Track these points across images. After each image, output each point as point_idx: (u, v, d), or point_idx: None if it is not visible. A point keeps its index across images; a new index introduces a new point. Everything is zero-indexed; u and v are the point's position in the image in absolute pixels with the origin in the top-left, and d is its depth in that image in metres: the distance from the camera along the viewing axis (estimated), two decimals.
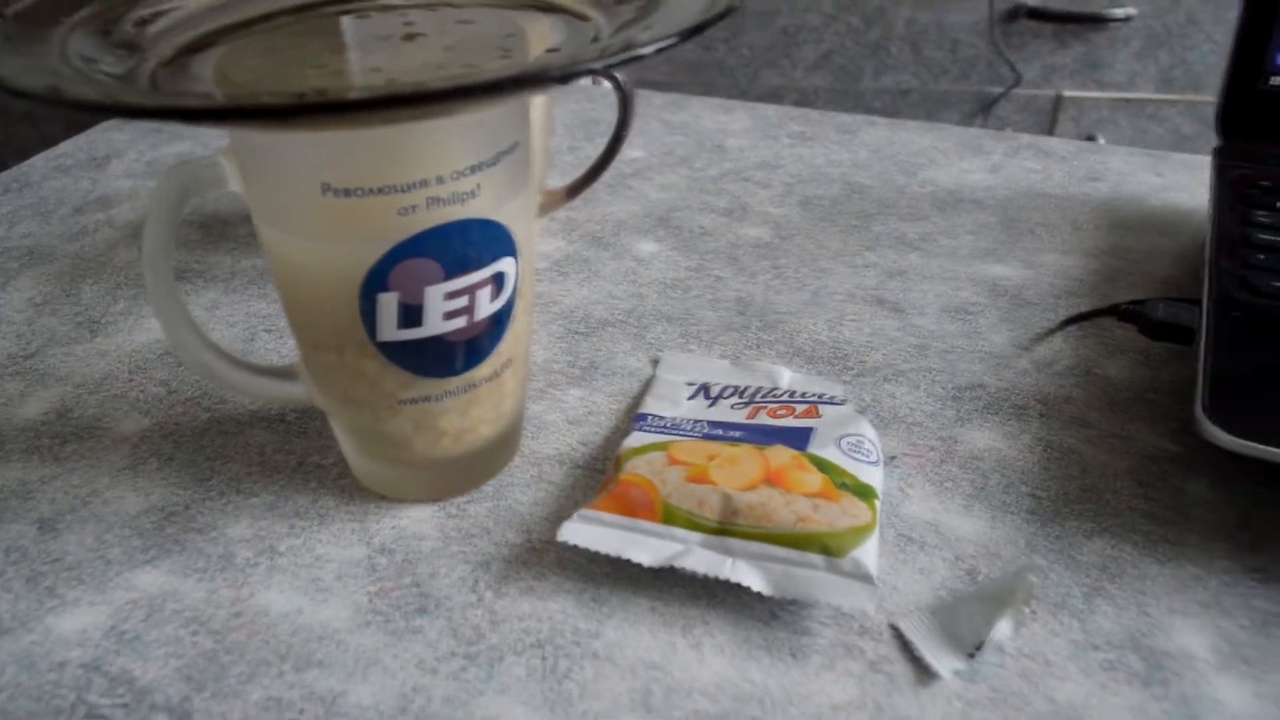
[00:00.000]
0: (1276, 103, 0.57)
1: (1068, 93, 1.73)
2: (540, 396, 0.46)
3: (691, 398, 0.44)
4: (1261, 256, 0.47)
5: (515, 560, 0.38)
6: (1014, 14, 1.68)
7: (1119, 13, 1.64)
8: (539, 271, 0.56)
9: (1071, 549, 0.38)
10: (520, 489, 0.41)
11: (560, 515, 0.40)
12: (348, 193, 0.32)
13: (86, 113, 0.27)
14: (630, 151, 0.71)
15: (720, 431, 0.41)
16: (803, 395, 0.44)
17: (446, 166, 0.32)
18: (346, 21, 0.37)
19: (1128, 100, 1.71)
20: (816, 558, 0.35)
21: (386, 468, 0.40)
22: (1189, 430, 0.44)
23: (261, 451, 0.43)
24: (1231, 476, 0.41)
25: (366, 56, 0.34)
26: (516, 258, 0.36)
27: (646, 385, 0.47)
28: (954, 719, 0.32)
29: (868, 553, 0.35)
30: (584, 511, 0.37)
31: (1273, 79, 0.57)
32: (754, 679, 0.33)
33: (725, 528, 0.36)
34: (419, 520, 0.39)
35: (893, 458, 0.43)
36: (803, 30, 1.75)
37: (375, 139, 0.31)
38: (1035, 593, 0.36)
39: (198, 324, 0.38)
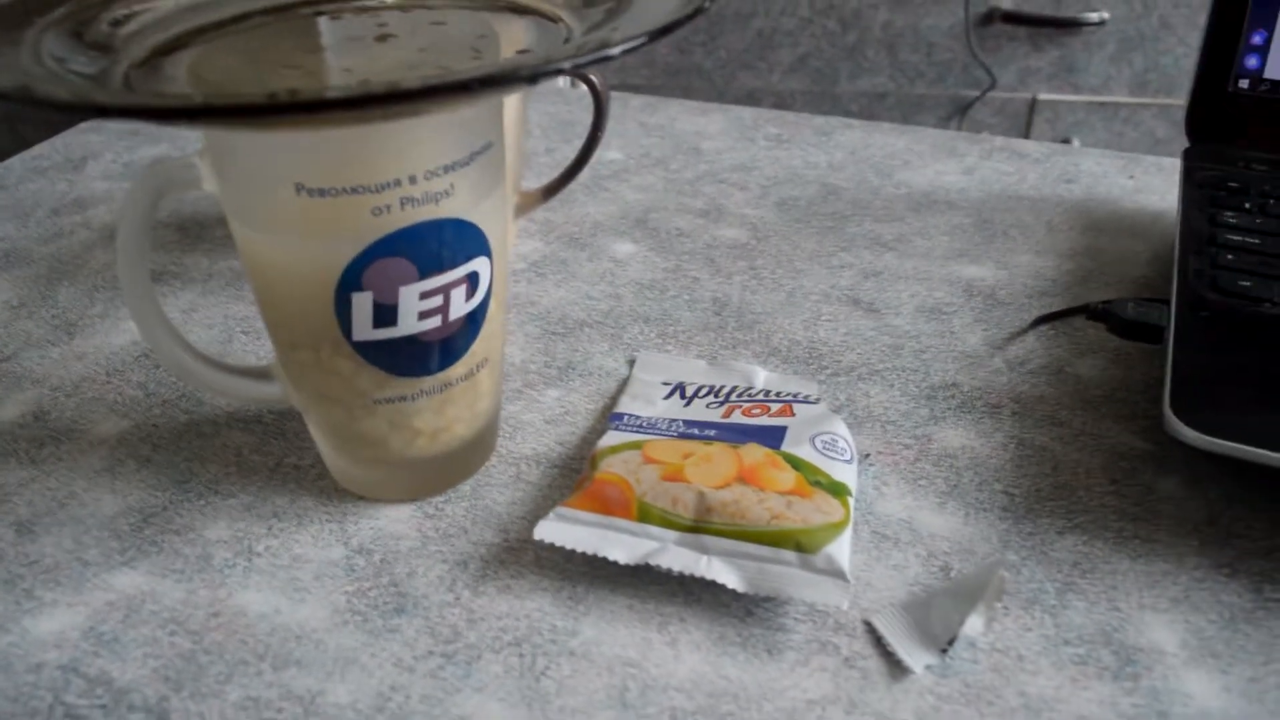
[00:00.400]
0: (1244, 105, 0.58)
1: (1043, 96, 1.74)
2: (517, 397, 0.46)
3: (667, 397, 0.45)
4: (1229, 256, 0.48)
5: (492, 559, 0.38)
6: (989, 18, 1.69)
7: (1093, 17, 1.65)
8: (516, 273, 0.56)
9: (1044, 545, 0.39)
10: (497, 489, 0.41)
11: (537, 514, 0.40)
12: (321, 193, 0.32)
13: (57, 112, 0.27)
14: (607, 153, 0.71)
15: (695, 430, 0.41)
16: (778, 395, 0.44)
17: (420, 166, 0.32)
18: (320, 23, 0.37)
19: (1102, 104, 1.72)
20: (790, 554, 0.35)
21: (363, 468, 0.40)
22: (1159, 428, 0.44)
23: (239, 453, 0.43)
24: (1201, 473, 0.42)
25: (339, 57, 0.34)
26: (490, 258, 0.36)
27: (623, 385, 0.47)
28: (926, 713, 0.32)
29: (841, 549, 0.35)
30: (560, 510, 0.37)
31: (1240, 82, 0.58)
32: (729, 675, 0.34)
33: (700, 525, 0.36)
34: (397, 520, 0.40)
35: (867, 456, 0.43)
36: (779, 33, 1.76)
37: (348, 139, 0.32)
38: (1007, 588, 0.37)
39: (173, 324, 0.38)
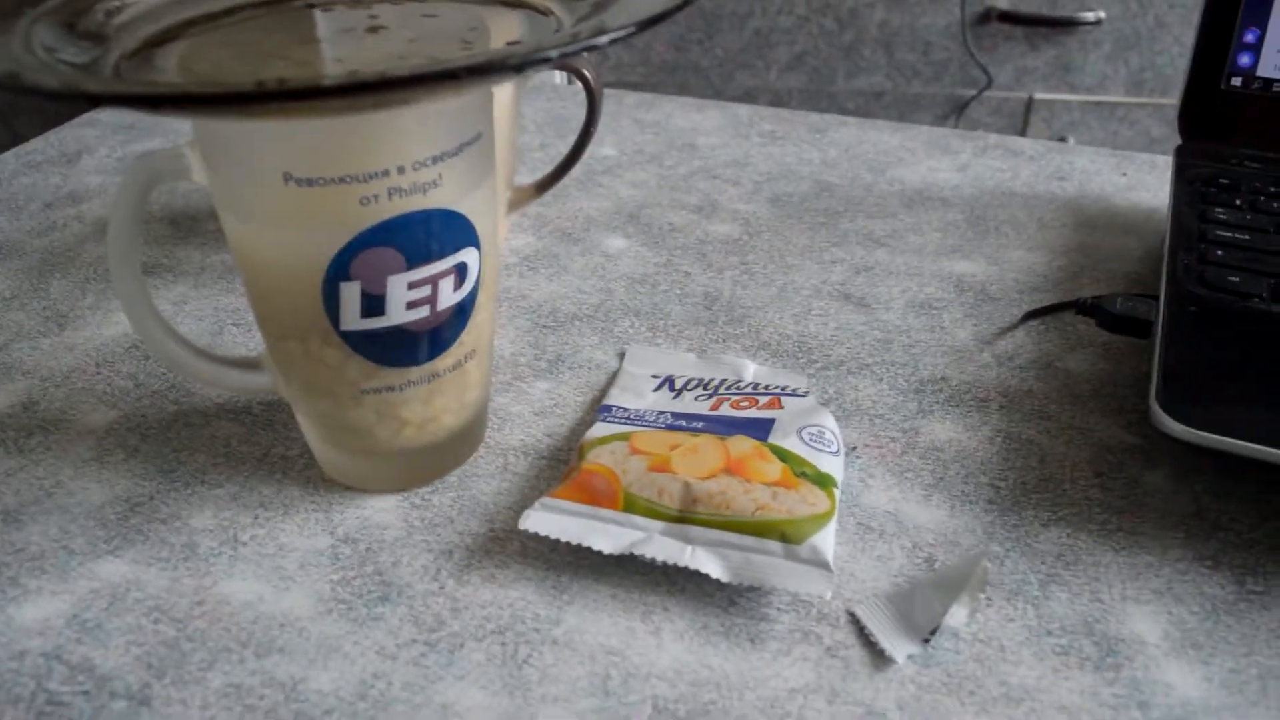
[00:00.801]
0: (1236, 103, 0.58)
1: (1039, 95, 1.74)
2: (506, 389, 0.47)
3: (656, 389, 0.45)
4: (1219, 252, 0.48)
5: (478, 549, 0.38)
6: (985, 17, 1.70)
7: (1089, 16, 1.66)
8: (508, 266, 0.56)
9: (1028, 537, 0.39)
10: (484, 479, 0.41)
11: (524, 505, 0.40)
12: (310, 182, 0.32)
13: (46, 100, 0.27)
14: (601, 149, 0.72)
15: (683, 422, 0.41)
16: (766, 387, 0.44)
17: (408, 157, 0.33)
18: (311, 15, 0.38)
19: (1098, 103, 1.73)
20: (775, 545, 0.35)
21: (351, 458, 0.40)
22: (1146, 422, 0.44)
23: (227, 443, 0.43)
24: (1186, 466, 0.42)
25: (330, 49, 0.34)
26: (479, 248, 0.36)
27: (612, 378, 0.47)
28: (908, 703, 0.32)
29: (825, 540, 0.35)
30: (546, 500, 0.37)
31: (1233, 80, 0.58)
32: (712, 664, 0.34)
33: (685, 516, 0.36)
34: (383, 510, 0.40)
35: (854, 448, 0.43)
36: (776, 32, 1.76)
37: (337, 129, 0.32)
38: (990, 579, 0.37)
39: (163, 314, 0.39)
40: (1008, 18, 1.68)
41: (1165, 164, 0.69)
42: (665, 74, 1.82)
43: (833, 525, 0.36)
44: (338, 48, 0.34)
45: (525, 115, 0.78)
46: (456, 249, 0.35)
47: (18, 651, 0.34)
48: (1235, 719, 0.32)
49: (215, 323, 0.52)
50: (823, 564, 0.35)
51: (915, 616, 0.35)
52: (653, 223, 0.61)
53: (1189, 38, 1.65)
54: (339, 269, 0.34)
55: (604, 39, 0.29)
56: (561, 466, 0.42)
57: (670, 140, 0.73)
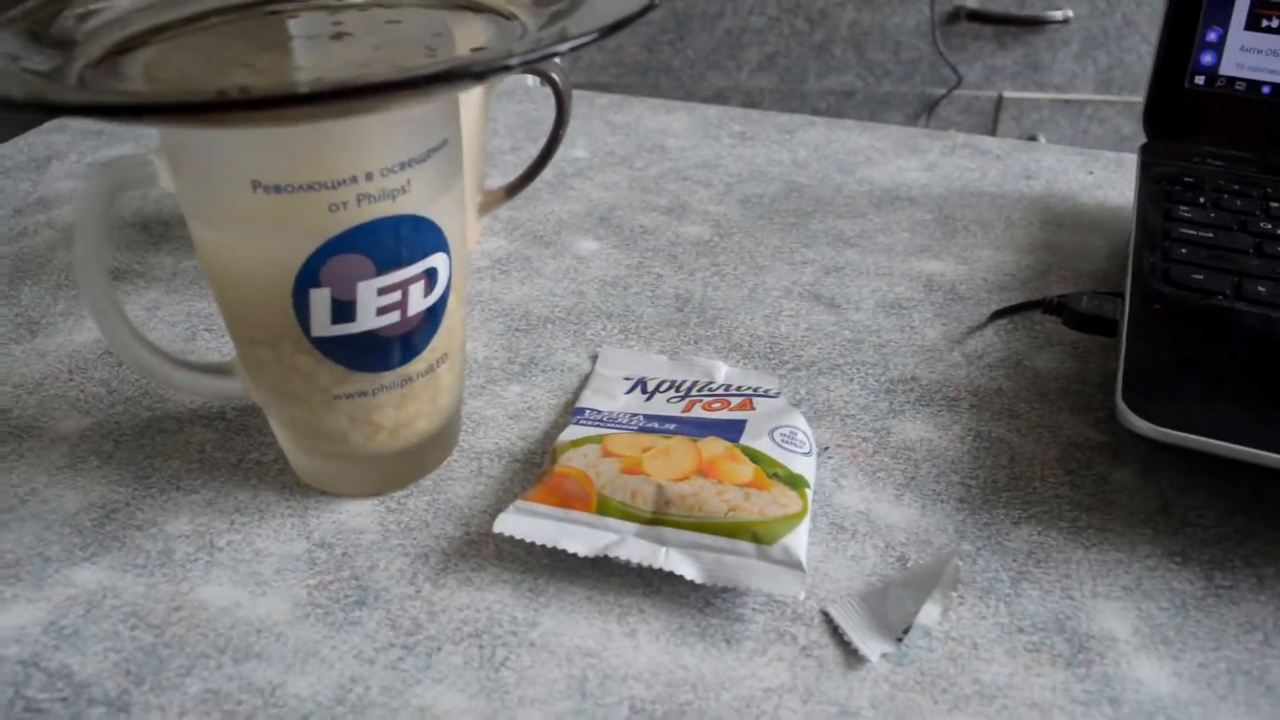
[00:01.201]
0: (1200, 101, 0.59)
1: (1009, 94, 1.75)
2: (480, 392, 0.47)
3: (629, 392, 0.45)
4: (1183, 250, 0.48)
5: (454, 552, 0.38)
6: (955, 16, 1.71)
7: (1057, 15, 1.67)
8: (480, 270, 0.57)
9: (1000, 535, 0.39)
10: (459, 483, 0.41)
11: (498, 508, 0.40)
12: (278, 189, 0.32)
13: (9, 109, 0.27)
14: (572, 151, 0.72)
15: (656, 424, 0.42)
16: (738, 389, 0.45)
17: (376, 163, 0.33)
18: (276, 22, 0.38)
19: (1067, 101, 1.74)
20: (747, 545, 0.35)
21: (325, 463, 0.40)
22: (1113, 419, 0.45)
23: (202, 449, 0.43)
24: (1153, 463, 0.42)
25: (294, 56, 0.34)
26: (449, 253, 0.37)
27: (585, 380, 0.47)
28: (882, 701, 0.33)
29: (798, 540, 0.36)
30: (519, 503, 0.38)
31: (1196, 78, 0.58)
32: (688, 664, 0.34)
33: (659, 518, 0.37)
34: (359, 515, 0.40)
35: (826, 449, 0.43)
36: (747, 32, 1.76)
37: (305, 136, 0.32)
38: (962, 578, 0.37)
39: (133, 321, 0.38)
40: (977, 17, 1.69)
41: (1131, 162, 0.69)
42: (637, 75, 1.82)
43: (805, 525, 0.36)
44: (303, 55, 0.34)
45: (496, 118, 0.78)
46: (426, 254, 0.36)
47: None
48: (1205, 714, 0.33)
49: (188, 328, 0.51)
50: (795, 564, 0.35)
51: (888, 615, 0.35)
52: (624, 225, 0.62)
53: (1156, 35, 1.66)
54: (308, 275, 0.34)
55: (565, 46, 0.29)
56: (535, 469, 0.42)
57: (640, 142, 0.73)
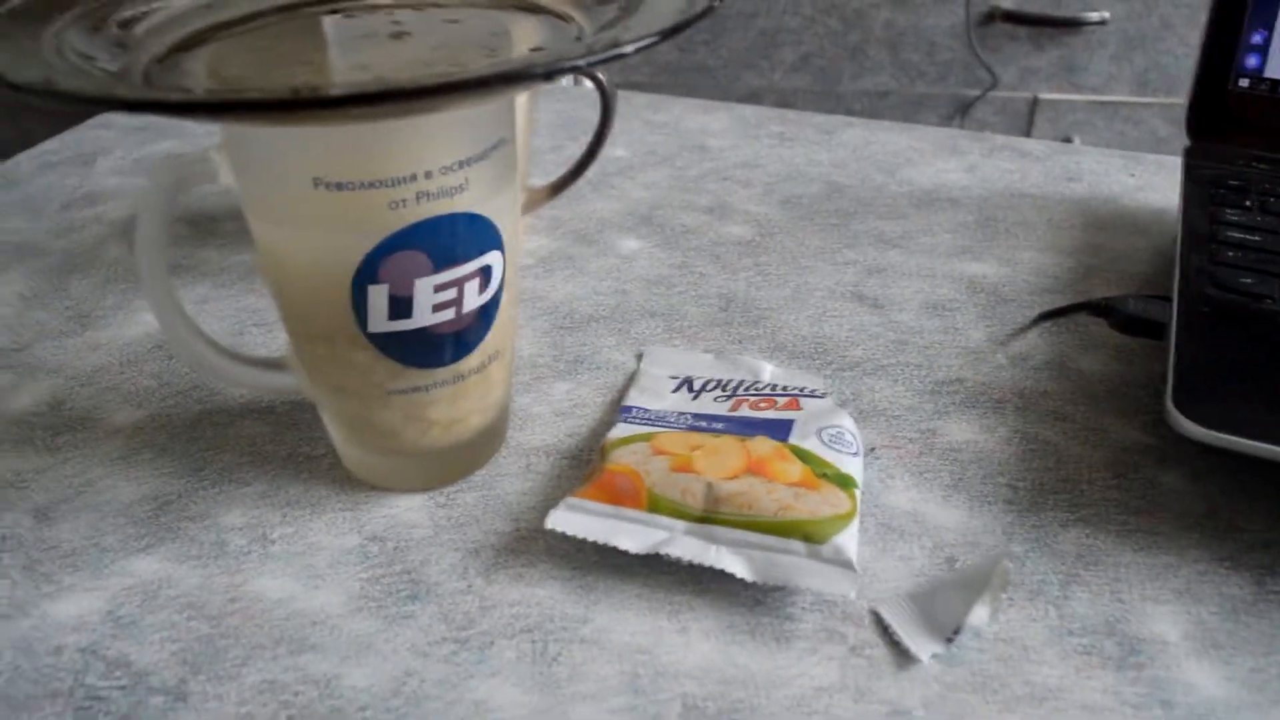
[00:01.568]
0: (1244, 104, 0.59)
1: (1044, 95, 1.74)
2: (527, 389, 0.47)
3: (675, 390, 0.45)
4: (1230, 253, 0.48)
5: (504, 548, 0.38)
6: (990, 17, 1.70)
7: (1094, 16, 1.66)
8: (524, 268, 0.57)
9: (1048, 538, 0.39)
10: (509, 479, 0.42)
11: (548, 504, 0.40)
12: (339, 186, 0.32)
13: (84, 106, 0.28)
14: (613, 151, 0.72)
15: (704, 423, 0.42)
16: (784, 388, 0.45)
17: (435, 161, 0.33)
18: (333, 21, 0.38)
19: (1104, 102, 1.73)
20: (798, 544, 0.36)
21: (377, 458, 0.40)
22: (1161, 423, 0.45)
23: (253, 442, 0.44)
24: (1202, 467, 0.42)
25: (355, 54, 0.35)
26: (503, 251, 0.37)
27: (631, 379, 0.47)
28: (933, 701, 0.33)
29: (848, 539, 0.36)
30: (571, 500, 0.38)
31: (1240, 81, 0.58)
32: (739, 663, 0.34)
33: (709, 516, 0.37)
34: (410, 509, 0.40)
35: (873, 449, 0.43)
36: (782, 32, 1.76)
37: (366, 134, 0.32)
38: (1011, 580, 0.37)
39: (191, 316, 0.39)
40: (1012, 18, 1.69)
41: (1173, 165, 0.69)
42: (671, 74, 1.83)
43: (855, 525, 0.37)
44: (363, 54, 0.35)
45: (537, 118, 0.78)
46: (482, 252, 0.36)
47: (55, 646, 0.35)
48: (1258, 718, 0.33)
49: (237, 323, 0.52)
50: (846, 564, 0.35)
51: (938, 616, 0.35)
52: (666, 224, 0.62)
53: (1194, 37, 1.65)
54: (367, 272, 0.34)
55: (630, 48, 0.29)
56: (583, 466, 0.42)
57: (681, 142, 0.73)
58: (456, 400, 0.39)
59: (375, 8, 0.39)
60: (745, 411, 0.43)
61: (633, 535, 0.37)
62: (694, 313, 0.53)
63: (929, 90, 1.78)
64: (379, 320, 0.35)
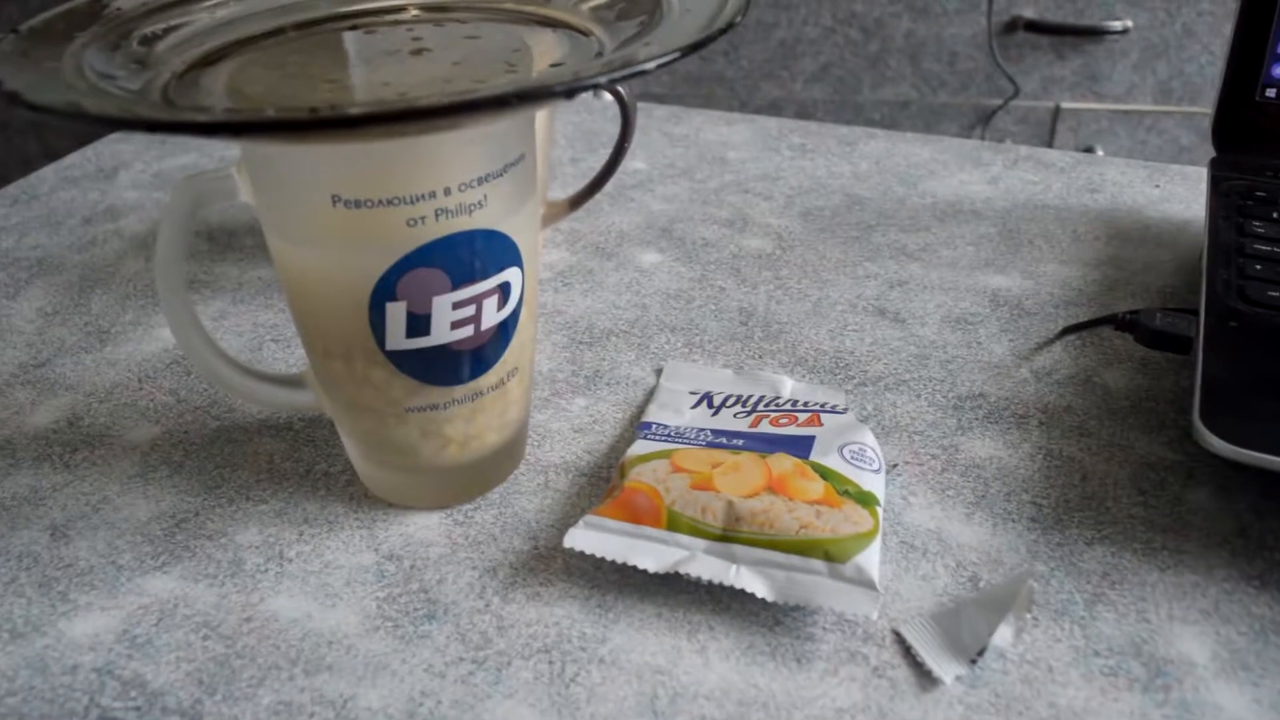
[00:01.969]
0: (1271, 115, 0.58)
1: (1066, 104, 1.74)
2: (545, 405, 0.47)
3: (695, 406, 0.45)
4: (1258, 266, 0.48)
5: (522, 567, 0.38)
6: (1012, 26, 1.69)
7: (1116, 25, 1.65)
8: (543, 282, 0.57)
9: (1073, 556, 0.39)
10: (526, 496, 0.41)
11: (566, 522, 0.40)
12: (358, 204, 0.32)
13: (107, 128, 0.28)
14: (632, 163, 0.72)
15: (723, 440, 0.42)
16: (805, 404, 0.44)
17: (454, 179, 0.33)
18: (353, 37, 0.38)
19: (1126, 112, 1.72)
20: (819, 564, 0.35)
21: (394, 475, 0.40)
22: (1188, 439, 0.44)
23: (270, 459, 0.44)
24: (1230, 484, 0.42)
25: (375, 71, 0.35)
26: (522, 268, 0.37)
27: (650, 394, 0.47)
28: None
29: (870, 559, 0.35)
30: (589, 518, 0.38)
31: (1267, 91, 0.58)
32: (759, 684, 0.34)
33: (729, 534, 0.36)
34: (426, 527, 0.40)
35: (894, 466, 0.43)
36: (801, 43, 1.76)
37: (385, 151, 0.32)
38: (1036, 599, 0.37)
39: (208, 332, 0.39)
40: (1034, 27, 1.68)
41: (1197, 176, 0.69)
42: (690, 85, 1.82)
43: (877, 544, 0.36)
44: (383, 70, 0.35)
45: (556, 130, 0.78)
46: (500, 269, 0.36)
47: (70, 666, 0.35)
48: None
49: (254, 338, 0.52)
50: (868, 583, 0.35)
51: (962, 636, 0.35)
52: (685, 237, 0.62)
53: (1217, 46, 1.64)
54: (385, 289, 0.34)
55: (651, 65, 0.29)
56: (602, 484, 0.42)
57: (700, 154, 0.73)
58: (474, 417, 0.38)
59: (395, 23, 0.39)
60: (765, 428, 0.42)
61: (652, 554, 0.36)
62: (713, 327, 0.52)
63: (950, 100, 1.77)
64: (397, 338, 0.35)
